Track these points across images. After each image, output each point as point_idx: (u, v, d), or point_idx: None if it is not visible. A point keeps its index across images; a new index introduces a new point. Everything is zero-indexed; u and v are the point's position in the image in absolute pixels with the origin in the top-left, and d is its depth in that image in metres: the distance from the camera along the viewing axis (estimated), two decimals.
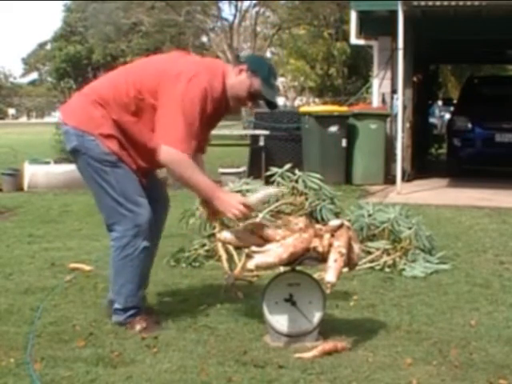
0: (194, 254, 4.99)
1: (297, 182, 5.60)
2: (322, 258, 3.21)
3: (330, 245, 3.19)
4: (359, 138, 10.43)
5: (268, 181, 6.15)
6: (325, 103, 16.06)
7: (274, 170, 5.83)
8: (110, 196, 3.41)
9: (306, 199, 5.50)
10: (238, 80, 3.39)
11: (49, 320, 3.62)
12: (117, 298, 3.51)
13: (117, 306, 3.51)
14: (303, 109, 11.40)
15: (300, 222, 3.33)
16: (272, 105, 3.50)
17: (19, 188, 9.51)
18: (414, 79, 11.63)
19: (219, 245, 4.62)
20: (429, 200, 8.61)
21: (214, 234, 5.05)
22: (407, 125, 10.64)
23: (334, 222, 3.33)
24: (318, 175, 5.77)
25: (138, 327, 3.43)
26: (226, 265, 4.65)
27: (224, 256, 4.75)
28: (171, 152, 3.25)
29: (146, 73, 3.43)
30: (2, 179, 9.60)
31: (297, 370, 2.98)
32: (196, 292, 4.11)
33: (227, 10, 78.23)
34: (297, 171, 5.71)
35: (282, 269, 3.53)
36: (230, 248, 4.77)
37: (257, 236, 3.30)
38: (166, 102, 3.27)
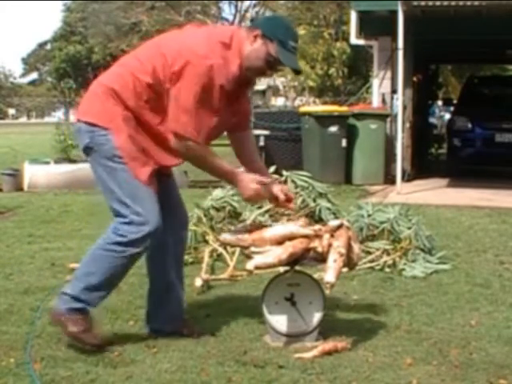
0: (193, 254, 4.98)
1: (285, 182, 5.55)
2: (322, 259, 3.21)
3: (330, 245, 3.19)
4: (359, 138, 10.43)
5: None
6: (325, 103, 16.03)
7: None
8: (117, 197, 3.10)
9: (303, 201, 5.49)
10: (253, 49, 3.08)
11: (49, 320, 3.61)
12: (74, 282, 3.14)
13: (68, 290, 3.12)
14: (303, 109, 11.38)
15: (300, 222, 3.33)
16: (295, 71, 3.28)
17: (19, 188, 9.50)
18: (414, 79, 11.63)
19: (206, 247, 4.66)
20: (429, 200, 8.60)
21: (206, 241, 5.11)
22: (407, 125, 10.65)
23: (334, 223, 3.33)
24: (306, 173, 5.74)
25: (70, 328, 3.10)
26: (228, 259, 4.68)
27: (226, 254, 4.78)
28: (183, 139, 3.08)
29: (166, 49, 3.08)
30: (2, 179, 9.59)
31: (297, 369, 2.98)
32: (196, 292, 4.11)
33: (227, 10, 78.22)
34: (284, 172, 5.65)
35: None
36: (220, 248, 4.82)
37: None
38: (178, 87, 3.03)
